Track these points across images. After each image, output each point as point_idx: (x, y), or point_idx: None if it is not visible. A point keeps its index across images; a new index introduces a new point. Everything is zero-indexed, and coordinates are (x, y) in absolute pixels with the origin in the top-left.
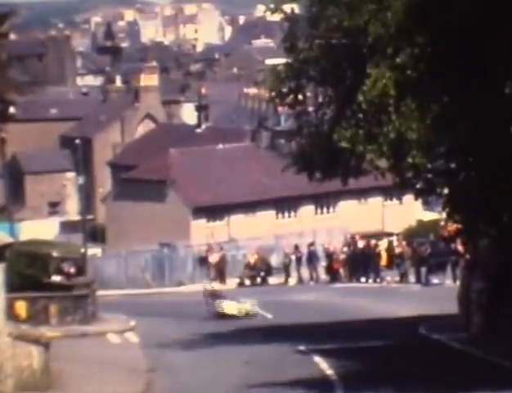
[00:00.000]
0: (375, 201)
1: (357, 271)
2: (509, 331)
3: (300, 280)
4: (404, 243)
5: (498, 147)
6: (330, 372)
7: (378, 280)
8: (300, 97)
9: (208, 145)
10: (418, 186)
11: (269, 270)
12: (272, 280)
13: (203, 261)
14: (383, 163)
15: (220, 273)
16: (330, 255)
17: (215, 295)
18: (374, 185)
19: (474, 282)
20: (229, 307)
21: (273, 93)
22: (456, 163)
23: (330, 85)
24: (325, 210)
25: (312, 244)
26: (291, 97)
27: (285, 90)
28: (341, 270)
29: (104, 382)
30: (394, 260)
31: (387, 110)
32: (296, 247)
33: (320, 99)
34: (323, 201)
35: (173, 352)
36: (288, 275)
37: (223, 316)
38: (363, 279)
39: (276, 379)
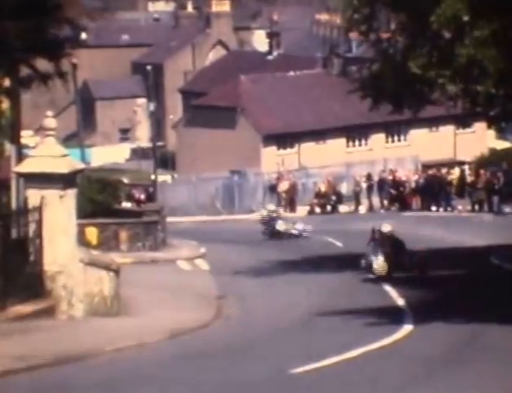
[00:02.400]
0: (447, 130)
1: (428, 199)
2: None
3: (371, 208)
4: (480, 172)
5: None
6: (400, 300)
7: (449, 209)
8: (374, 24)
9: (280, 72)
10: (491, 113)
11: (339, 198)
12: (342, 208)
13: (273, 189)
14: (454, 88)
15: (290, 200)
16: (400, 184)
17: (272, 219)
18: (445, 114)
19: None
20: (282, 225)
21: (346, 20)
22: None
23: (403, 11)
24: (396, 138)
25: (383, 172)
26: (364, 24)
27: (358, 17)
28: (412, 198)
29: (174, 308)
30: (466, 189)
31: (460, 35)
32: (369, 176)
33: (393, 26)
34: (394, 129)
35: (243, 279)
36: (358, 203)
37: (278, 234)
38: (434, 208)
39: (345, 307)
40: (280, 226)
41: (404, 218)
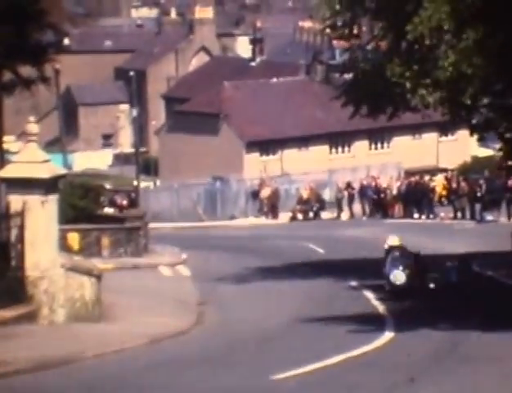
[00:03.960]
0: (430, 137)
1: (411, 206)
2: None
3: (352, 215)
4: (460, 179)
5: None
6: (381, 308)
7: (431, 216)
8: (355, 30)
9: (263, 78)
10: (473, 121)
11: (322, 205)
12: (325, 215)
13: (255, 195)
14: (434, 98)
15: (272, 207)
16: (382, 191)
17: None
18: (428, 121)
19: None
20: None
21: (327, 23)
22: None
23: (385, 18)
24: (379, 145)
25: (364, 179)
26: (345, 29)
27: (339, 22)
28: (394, 206)
29: (155, 314)
30: (449, 196)
31: (440, 45)
32: (348, 184)
33: (375, 32)
34: (377, 136)
35: (225, 285)
36: (340, 210)
37: None
38: (416, 215)
39: (327, 314)
40: None
41: (386, 225)
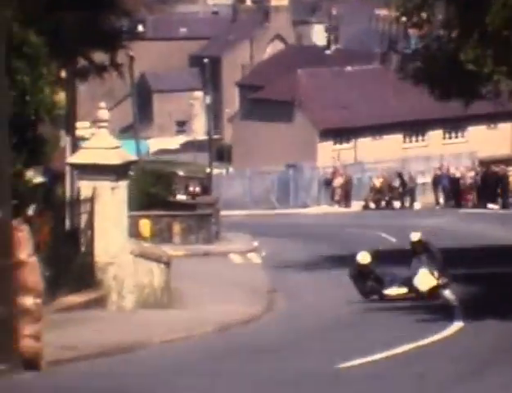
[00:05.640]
0: (505, 126)
1: (485, 196)
2: None
3: (427, 204)
4: None
5: None
6: (451, 298)
7: (507, 207)
8: (425, 15)
9: (337, 67)
10: None
11: (394, 194)
12: (397, 204)
13: (328, 183)
14: (509, 86)
15: (345, 195)
16: (456, 180)
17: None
18: (504, 110)
19: None
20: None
21: (401, 10)
22: None
23: (459, 3)
24: (453, 134)
25: (438, 169)
26: (418, 14)
27: (409, 6)
28: (468, 195)
29: (225, 301)
30: None
31: None
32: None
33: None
34: (451, 125)
35: (295, 273)
36: (413, 199)
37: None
38: (491, 205)
39: (395, 305)
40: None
41: (460, 215)
